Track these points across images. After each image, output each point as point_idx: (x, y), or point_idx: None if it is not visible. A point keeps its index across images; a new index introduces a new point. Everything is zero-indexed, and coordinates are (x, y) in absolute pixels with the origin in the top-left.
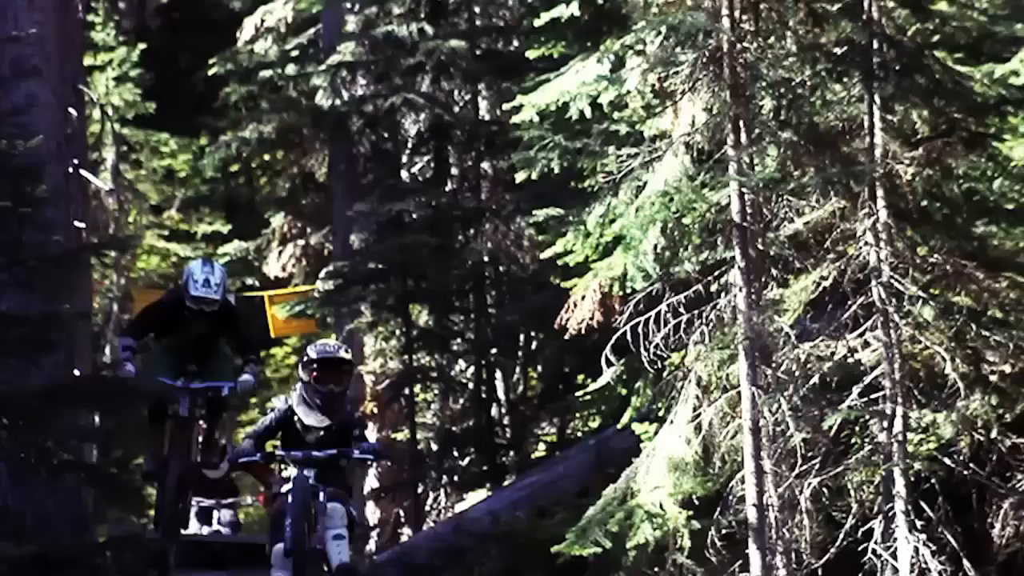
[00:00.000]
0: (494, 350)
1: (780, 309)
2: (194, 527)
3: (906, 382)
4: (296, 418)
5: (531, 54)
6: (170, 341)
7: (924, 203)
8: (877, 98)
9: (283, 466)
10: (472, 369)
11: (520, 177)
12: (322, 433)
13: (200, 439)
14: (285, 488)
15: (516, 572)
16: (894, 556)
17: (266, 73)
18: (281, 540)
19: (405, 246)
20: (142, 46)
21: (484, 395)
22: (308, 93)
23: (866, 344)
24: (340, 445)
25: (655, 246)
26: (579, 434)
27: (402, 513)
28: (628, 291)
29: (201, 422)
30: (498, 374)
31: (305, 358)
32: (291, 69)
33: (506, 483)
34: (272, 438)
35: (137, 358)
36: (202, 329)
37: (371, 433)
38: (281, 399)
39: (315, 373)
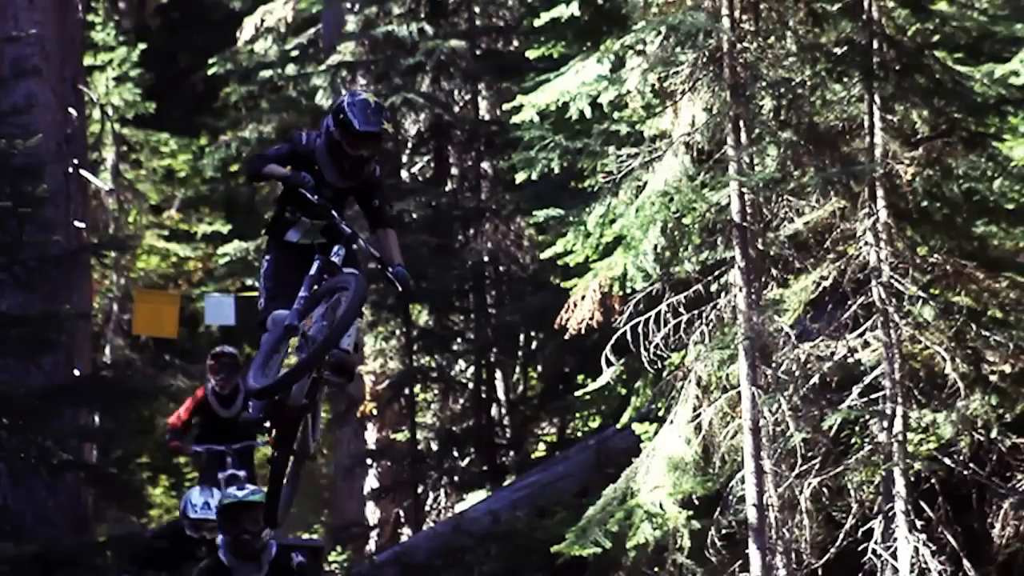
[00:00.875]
0: (494, 350)
1: (780, 309)
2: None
3: (906, 382)
4: (317, 168)
5: (531, 54)
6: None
7: (924, 203)
8: (877, 98)
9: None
10: (472, 369)
11: (520, 177)
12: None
13: None
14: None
15: (516, 572)
16: (894, 556)
17: (266, 73)
18: (286, 307)
19: (405, 246)
20: (142, 46)
21: (484, 395)
22: (308, 93)
23: (866, 344)
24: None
25: (655, 246)
26: (579, 434)
27: (402, 513)
28: (628, 291)
29: None
30: (498, 374)
31: (343, 115)
32: (291, 69)
33: (506, 483)
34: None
35: None
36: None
37: (371, 435)
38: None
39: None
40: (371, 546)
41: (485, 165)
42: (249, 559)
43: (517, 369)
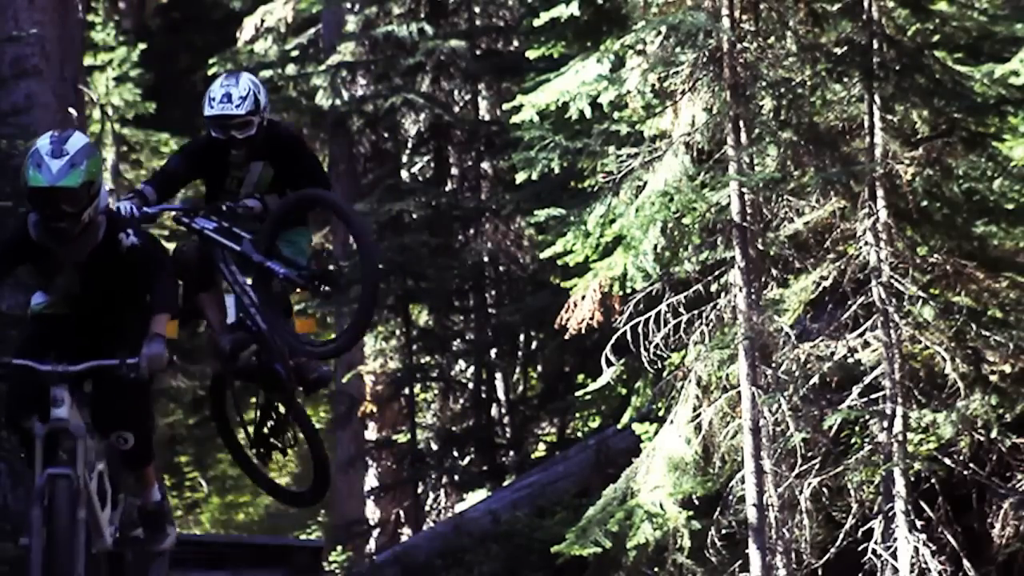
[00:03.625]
0: (494, 350)
1: (780, 309)
2: None
3: (906, 382)
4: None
5: (531, 54)
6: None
7: (924, 203)
8: (877, 98)
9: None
10: (472, 369)
11: (520, 177)
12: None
13: None
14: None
15: (516, 572)
16: (894, 556)
17: (266, 73)
18: None
19: (405, 246)
20: (142, 46)
21: (484, 395)
22: (308, 93)
23: (866, 344)
24: None
25: (655, 246)
26: (579, 434)
27: (402, 513)
28: (628, 291)
29: None
30: (498, 374)
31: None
32: (291, 69)
33: (506, 483)
34: None
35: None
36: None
37: (371, 434)
38: None
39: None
40: (371, 546)
41: (485, 165)
42: (62, 244)
43: (517, 369)
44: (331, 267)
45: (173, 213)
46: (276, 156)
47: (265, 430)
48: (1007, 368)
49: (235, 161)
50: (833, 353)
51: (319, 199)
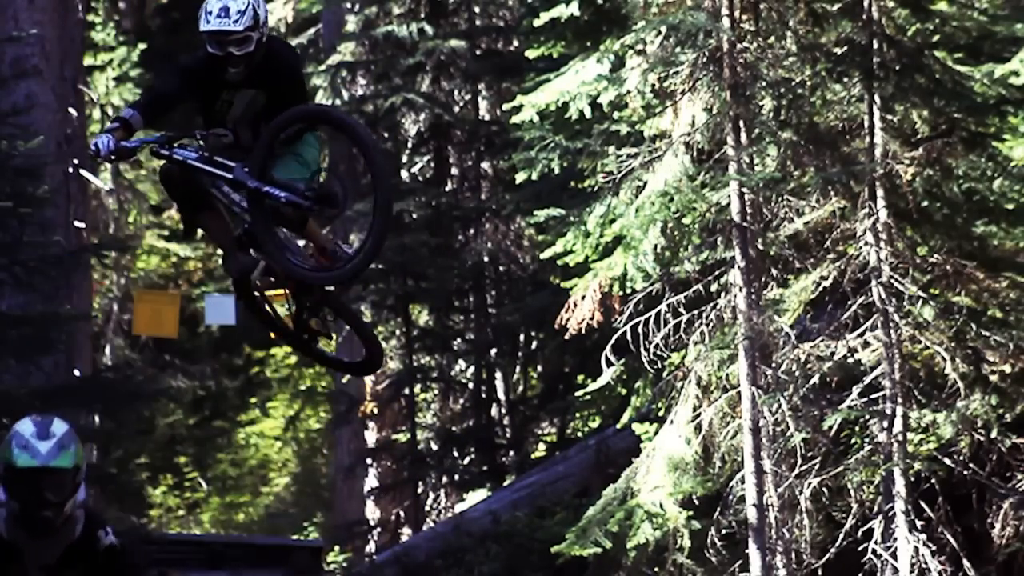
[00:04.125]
0: (494, 350)
1: (780, 309)
2: None
3: (906, 382)
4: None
5: (531, 54)
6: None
7: (924, 203)
8: (877, 98)
9: None
10: (472, 369)
11: (520, 177)
12: None
13: None
14: None
15: (516, 572)
16: (894, 556)
17: None
18: None
19: (405, 246)
20: (142, 46)
21: (484, 395)
22: (308, 93)
23: (866, 344)
24: None
25: (655, 246)
26: (579, 434)
27: (402, 513)
28: (628, 291)
29: None
30: (498, 374)
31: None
32: None
33: (506, 483)
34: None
35: None
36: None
37: (371, 435)
38: None
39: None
40: (371, 546)
41: (485, 165)
42: (42, 536)
43: (517, 369)
44: (336, 185)
45: (152, 146)
46: (272, 81)
47: (305, 316)
48: (1007, 368)
49: (231, 80)
50: (833, 353)
51: (317, 114)
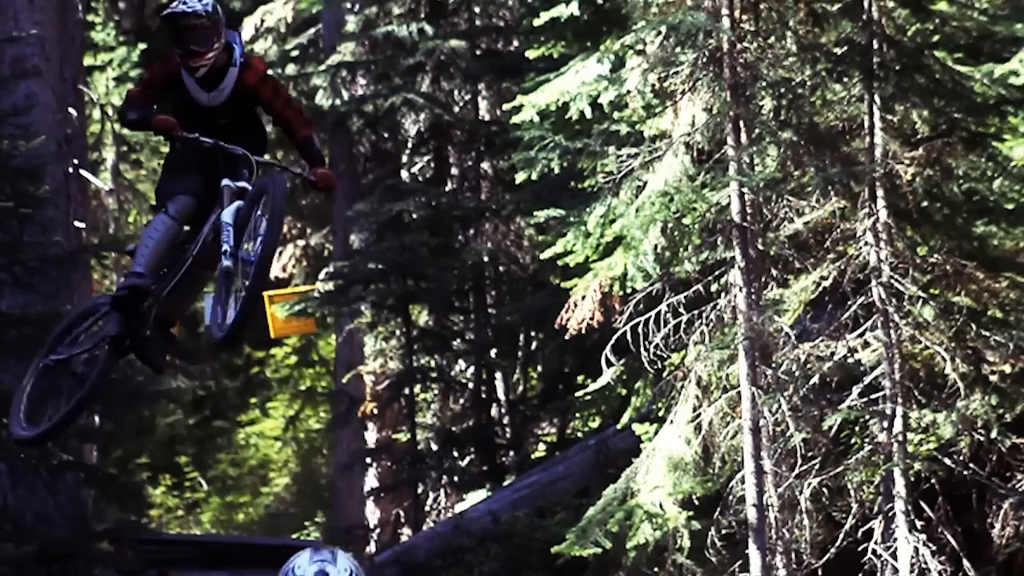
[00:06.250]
0: (494, 350)
1: (780, 309)
2: None
3: (906, 382)
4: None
5: (531, 54)
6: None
7: (924, 203)
8: (877, 98)
9: None
10: (472, 369)
11: (520, 177)
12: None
13: None
14: None
15: (516, 572)
16: (894, 556)
17: None
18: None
19: (405, 246)
20: (142, 46)
21: (484, 395)
22: (308, 93)
23: (866, 344)
24: None
25: (655, 246)
26: (579, 434)
27: (402, 513)
28: (628, 291)
29: None
30: (498, 374)
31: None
32: (291, 69)
33: (506, 483)
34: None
35: None
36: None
37: (371, 435)
38: None
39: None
40: (371, 546)
41: (485, 165)
42: None
43: (517, 369)
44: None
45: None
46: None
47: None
48: (1007, 368)
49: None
50: (833, 353)
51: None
